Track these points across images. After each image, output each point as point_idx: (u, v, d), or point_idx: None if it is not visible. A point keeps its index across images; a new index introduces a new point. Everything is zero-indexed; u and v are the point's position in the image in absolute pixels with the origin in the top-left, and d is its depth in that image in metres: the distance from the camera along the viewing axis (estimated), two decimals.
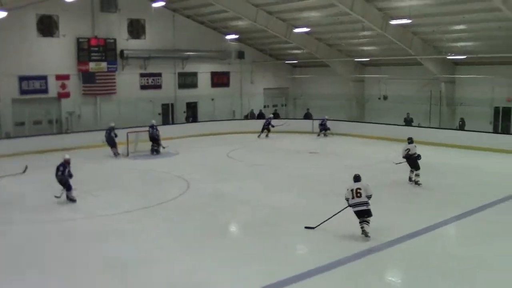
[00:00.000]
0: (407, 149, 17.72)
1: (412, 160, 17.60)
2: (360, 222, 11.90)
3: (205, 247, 11.56)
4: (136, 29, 31.43)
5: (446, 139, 25.79)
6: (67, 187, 15.29)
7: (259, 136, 29.91)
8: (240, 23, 31.90)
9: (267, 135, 29.97)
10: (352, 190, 12.10)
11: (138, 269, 10.32)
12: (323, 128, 30.55)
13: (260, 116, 34.70)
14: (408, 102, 30.96)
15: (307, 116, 34.18)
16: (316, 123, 31.32)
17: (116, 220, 13.76)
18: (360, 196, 11.95)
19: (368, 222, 11.86)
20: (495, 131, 27.69)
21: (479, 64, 28.72)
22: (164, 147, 24.31)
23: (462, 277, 9.89)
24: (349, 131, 30.29)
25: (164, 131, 25.55)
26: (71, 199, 15.36)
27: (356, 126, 30.71)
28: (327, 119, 30.69)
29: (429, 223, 13.01)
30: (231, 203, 15.52)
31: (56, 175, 15.28)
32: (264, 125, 30.16)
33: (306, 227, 12.74)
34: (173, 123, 32.29)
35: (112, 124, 23.67)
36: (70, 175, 15.30)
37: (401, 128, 28.88)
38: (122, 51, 30.42)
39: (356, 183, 12.26)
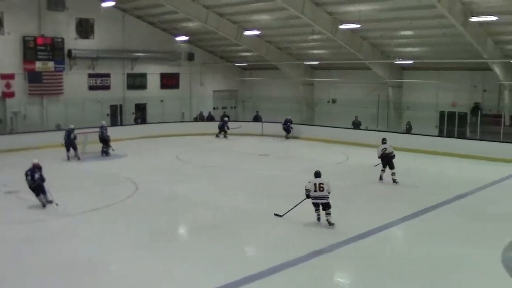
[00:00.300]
0: (384, 148, 18.29)
1: (388, 160, 18.26)
2: (325, 213, 13.09)
3: (153, 249, 11.42)
4: (84, 28, 30.89)
5: (393, 142, 26.18)
6: (42, 192, 14.68)
7: (217, 136, 30.15)
8: (190, 24, 31.75)
9: (225, 136, 30.08)
10: (315, 184, 13.12)
11: (85, 272, 10.11)
12: (287, 130, 30.17)
13: (210, 118, 34.65)
14: (357, 105, 31.41)
15: (256, 119, 34.26)
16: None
17: (62, 223, 13.45)
18: (323, 190, 13.02)
19: (330, 214, 13.00)
20: (440, 134, 28.35)
21: (425, 69, 29.50)
22: (113, 149, 23.92)
23: (410, 277, 10.04)
24: (299, 133, 30.46)
25: (112, 132, 25.08)
26: (49, 202, 14.79)
27: (306, 129, 30.91)
28: (291, 121, 30.50)
29: (377, 224, 13.19)
30: (180, 205, 15.42)
31: (27, 181, 14.74)
32: (219, 126, 30.29)
33: (275, 214, 13.70)
34: (121, 125, 31.84)
35: (72, 126, 22.88)
36: (43, 179, 14.65)
37: (349, 131, 29.30)
38: (70, 51, 29.82)
39: (318, 179, 13.29)
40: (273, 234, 12.65)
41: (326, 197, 13.03)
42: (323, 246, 11.43)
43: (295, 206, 13.48)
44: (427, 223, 13.81)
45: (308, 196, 13.25)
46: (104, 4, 27.29)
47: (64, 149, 22.52)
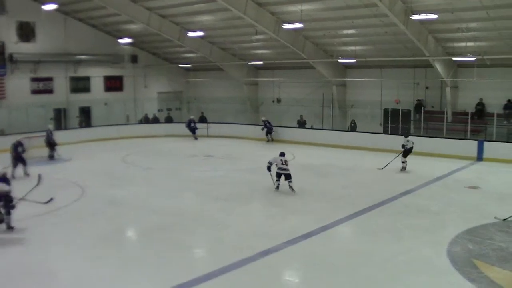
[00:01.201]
0: (410, 141, 20.45)
1: (408, 151, 20.45)
2: (287, 182, 16.66)
3: (100, 254, 11.15)
4: (25, 32, 30.01)
5: (338, 140, 26.52)
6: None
7: (196, 138, 30.30)
8: (133, 26, 31.32)
9: (194, 137, 30.33)
10: (281, 160, 16.80)
11: (30, 280, 9.79)
12: (269, 132, 29.40)
13: (155, 120, 34.31)
14: (302, 104, 31.63)
15: (202, 120, 34.03)
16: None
17: (4, 229, 12.94)
18: (287, 165, 16.76)
19: (292, 181, 16.63)
20: (385, 132, 28.74)
21: (368, 67, 29.89)
22: (58, 154, 23.46)
23: (358, 274, 10.07)
24: (243, 134, 30.50)
25: (57, 136, 24.45)
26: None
27: (250, 129, 30.90)
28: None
29: (323, 223, 13.23)
30: (126, 208, 15.07)
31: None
32: (191, 128, 30.32)
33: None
34: (66, 128, 31.08)
35: (19, 139, 20.68)
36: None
37: (294, 130, 29.47)
38: (11, 55, 28.98)
39: (283, 156, 16.96)
40: (220, 235, 12.54)
41: (288, 170, 16.64)
42: (270, 247, 11.37)
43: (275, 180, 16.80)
44: (373, 220, 13.92)
45: (268, 168, 16.97)
46: (45, 7, 26.62)
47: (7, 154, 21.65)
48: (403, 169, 20.34)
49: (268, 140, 29.21)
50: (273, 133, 29.36)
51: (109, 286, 9.65)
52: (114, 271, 10.24)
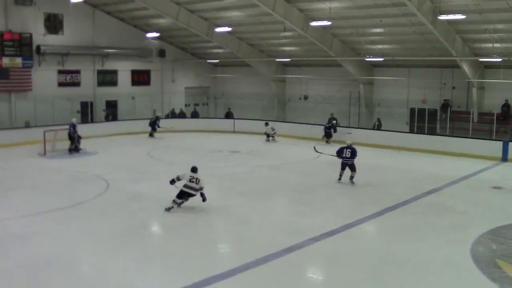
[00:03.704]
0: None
1: None
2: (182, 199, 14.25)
3: (123, 248, 11.30)
4: (53, 24, 30.37)
5: (364, 139, 26.43)
6: None
7: (150, 136, 29.15)
8: (161, 20, 31.56)
9: (151, 135, 29.25)
10: (191, 176, 14.21)
11: (55, 272, 9.95)
12: (329, 134, 27.53)
13: (181, 115, 34.54)
14: (328, 102, 31.61)
15: (228, 116, 34.19)
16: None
17: (31, 222, 13.18)
18: (194, 183, 14.12)
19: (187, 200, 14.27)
20: (411, 131, 28.66)
21: (396, 66, 29.81)
22: (81, 148, 23.68)
23: (380, 273, 10.12)
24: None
25: (83, 129, 24.78)
26: None
27: (277, 126, 30.90)
28: (335, 120, 28.33)
29: (348, 221, 13.25)
30: (151, 203, 15.16)
31: None
32: (151, 124, 29.31)
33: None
34: (92, 122, 31.40)
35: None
36: None
37: (321, 127, 29.42)
38: (38, 47, 29.31)
39: (193, 173, 14.36)
40: (243, 231, 12.67)
41: (195, 190, 14.12)
42: (293, 243, 11.43)
43: None
44: (397, 219, 13.94)
45: (171, 182, 14.44)
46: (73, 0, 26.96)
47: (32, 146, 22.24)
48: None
49: (328, 142, 27.16)
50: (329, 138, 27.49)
51: (132, 280, 9.73)
52: (137, 265, 10.34)
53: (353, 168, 17.62)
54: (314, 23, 25.51)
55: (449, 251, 11.27)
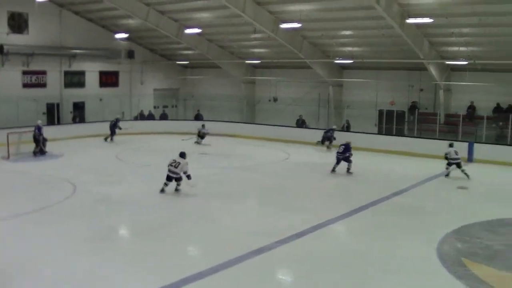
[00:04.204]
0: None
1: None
2: (176, 185, 16.12)
3: (92, 252, 11.09)
4: (18, 23, 29.55)
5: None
6: None
7: (105, 140, 27.93)
8: (130, 21, 31.25)
9: (111, 139, 27.94)
10: (172, 160, 16.04)
11: (20, 278, 9.74)
12: (328, 139, 26.52)
13: (150, 117, 34.31)
14: (298, 104, 31.72)
15: (198, 118, 34.02)
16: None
17: None
18: (173, 166, 15.87)
19: (180, 184, 16.10)
20: (380, 132, 28.94)
21: (364, 68, 30.11)
22: (45, 152, 23.21)
23: (349, 273, 10.17)
24: (239, 132, 30.55)
25: (49, 131, 24.41)
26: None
27: (246, 127, 31.00)
28: (335, 129, 27.19)
29: (316, 222, 13.28)
30: (120, 205, 15.01)
31: None
32: (111, 127, 28.15)
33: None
34: (59, 124, 30.88)
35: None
36: None
37: (290, 129, 29.58)
38: (1, 46, 28.52)
39: (179, 158, 16.11)
40: (212, 233, 12.59)
41: (177, 173, 15.88)
42: (263, 245, 11.41)
43: None
44: (365, 219, 14.06)
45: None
46: None
47: None
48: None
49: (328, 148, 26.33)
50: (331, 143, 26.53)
51: (101, 283, 9.60)
52: (105, 268, 10.21)
53: (347, 161, 19.68)
54: (284, 25, 25.57)
55: (417, 250, 11.40)
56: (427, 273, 10.18)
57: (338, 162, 19.91)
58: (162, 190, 16.05)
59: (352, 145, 20.43)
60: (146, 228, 12.87)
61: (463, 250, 11.40)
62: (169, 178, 15.98)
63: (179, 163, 15.86)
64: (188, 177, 15.85)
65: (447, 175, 19.64)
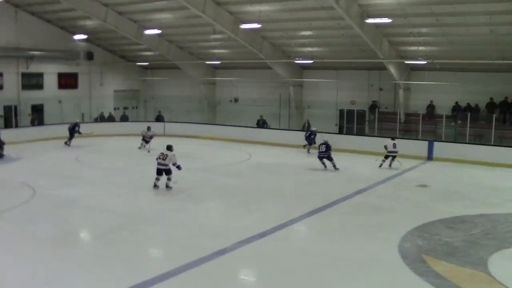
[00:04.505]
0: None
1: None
2: (166, 178, 16.57)
3: (51, 257, 10.89)
4: None
5: (295, 140, 26.65)
6: None
7: (66, 143, 27.02)
8: (89, 22, 30.83)
9: (69, 143, 26.99)
10: (160, 153, 16.56)
11: None
12: (310, 142, 25.64)
13: (110, 118, 33.94)
14: (259, 104, 31.76)
15: (159, 119, 33.80)
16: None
17: None
18: (164, 160, 16.33)
19: (170, 179, 16.57)
20: (340, 132, 29.17)
21: (325, 68, 30.37)
22: (3, 155, 22.73)
23: (310, 273, 10.18)
24: (200, 133, 30.43)
25: (7, 135, 23.95)
26: None
27: (207, 128, 30.91)
28: (317, 132, 25.90)
29: (277, 222, 13.30)
30: (80, 209, 14.78)
31: None
32: (70, 130, 27.31)
33: None
34: (16, 127, 30.22)
35: None
36: None
37: (251, 130, 29.61)
38: None
39: (167, 150, 16.64)
40: (174, 235, 12.53)
41: (164, 165, 16.36)
42: (224, 246, 11.37)
43: None
44: (326, 219, 14.13)
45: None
46: None
47: None
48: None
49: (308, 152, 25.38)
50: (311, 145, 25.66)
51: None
52: (67, 274, 10.01)
53: (330, 159, 20.54)
54: (244, 26, 25.62)
55: (378, 249, 11.50)
56: (388, 270, 10.29)
57: (323, 162, 20.73)
58: (155, 186, 16.58)
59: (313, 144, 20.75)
60: (107, 231, 12.67)
61: (423, 247, 11.52)
62: (159, 172, 16.44)
63: (167, 155, 16.36)
64: (178, 167, 16.50)
65: (380, 166, 21.09)
